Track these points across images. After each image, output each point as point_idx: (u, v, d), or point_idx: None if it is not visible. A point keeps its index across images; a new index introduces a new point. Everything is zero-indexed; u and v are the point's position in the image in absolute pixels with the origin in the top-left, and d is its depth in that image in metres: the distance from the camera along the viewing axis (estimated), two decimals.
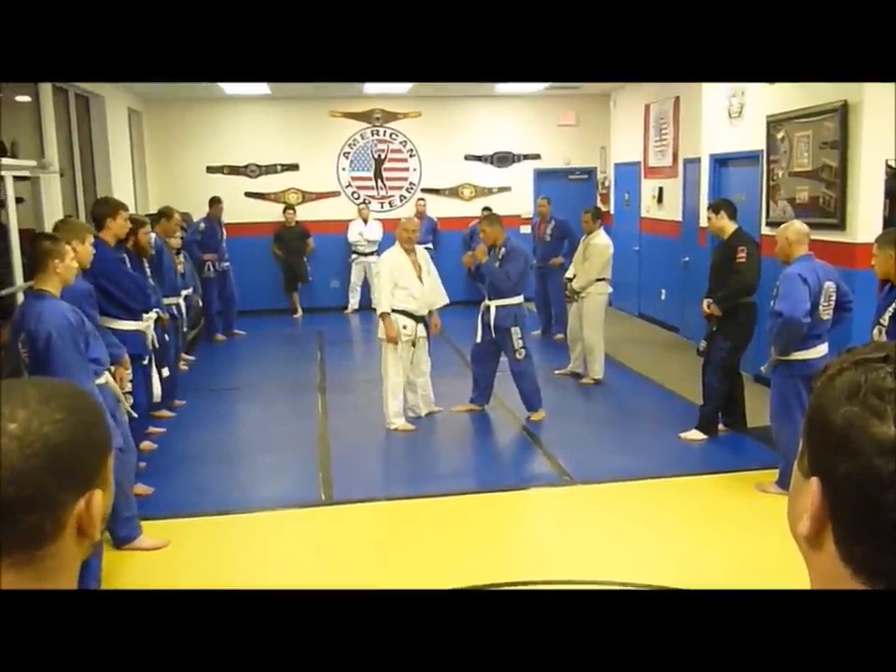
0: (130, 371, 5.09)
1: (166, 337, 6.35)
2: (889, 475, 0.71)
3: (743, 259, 5.82)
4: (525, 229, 11.45)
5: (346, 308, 12.10)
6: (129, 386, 4.91)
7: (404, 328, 6.40)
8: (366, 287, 12.03)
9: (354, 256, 11.99)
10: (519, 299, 6.63)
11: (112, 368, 4.66)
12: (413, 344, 6.52)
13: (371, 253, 11.89)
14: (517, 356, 6.58)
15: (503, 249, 6.60)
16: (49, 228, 6.75)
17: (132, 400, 4.95)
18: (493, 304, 6.60)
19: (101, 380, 4.11)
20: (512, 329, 6.55)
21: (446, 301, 6.73)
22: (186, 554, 4.49)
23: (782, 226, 5.20)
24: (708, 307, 5.94)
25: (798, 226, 5.08)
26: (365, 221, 11.93)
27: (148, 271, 6.14)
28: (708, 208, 6.31)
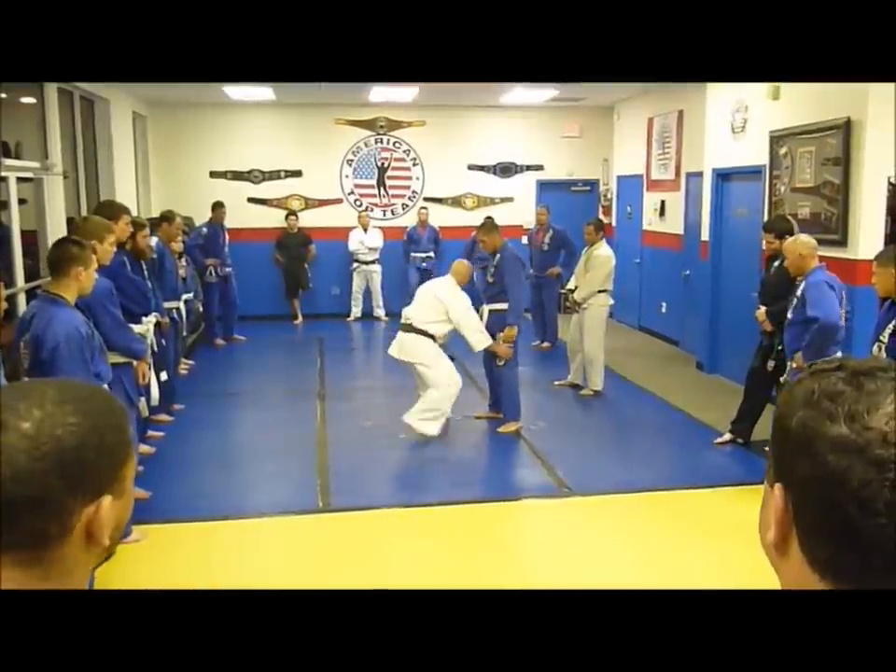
0: (150, 366, 5.19)
1: (163, 342, 6.34)
2: (842, 471, 0.73)
3: None
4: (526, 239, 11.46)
5: (349, 316, 12.10)
6: (147, 381, 5.02)
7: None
8: (368, 296, 12.04)
9: (355, 265, 11.99)
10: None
11: (134, 363, 4.75)
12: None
13: (373, 261, 11.90)
14: (498, 362, 6.62)
15: (498, 256, 6.63)
16: (51, 230, 6.78)
17: (144, 399, 5.05)
18: (486, 309, 6.66)
19: None
20: (499, 335, 6.57)
21: None
22: (182, 559, 4.47)
23: (789, 240, 5.19)
24: (764, 315, 5.77)
25: (806, 239, 5.09)
26: (365, 229, 11.94)
27: (147, 274, 6.13)
28: (769, 231, 5.93)
